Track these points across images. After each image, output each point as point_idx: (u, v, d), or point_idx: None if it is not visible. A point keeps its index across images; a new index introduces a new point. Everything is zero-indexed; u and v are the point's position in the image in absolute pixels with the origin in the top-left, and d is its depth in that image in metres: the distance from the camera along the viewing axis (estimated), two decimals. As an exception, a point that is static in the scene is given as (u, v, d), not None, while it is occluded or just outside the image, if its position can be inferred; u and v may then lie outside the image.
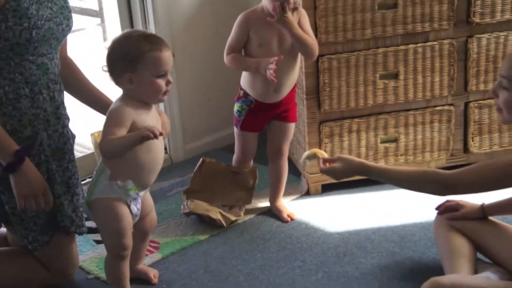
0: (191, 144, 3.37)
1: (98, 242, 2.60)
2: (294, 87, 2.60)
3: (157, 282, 2.33)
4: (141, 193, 2.14)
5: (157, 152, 2.11)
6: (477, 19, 2.72)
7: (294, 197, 2.88)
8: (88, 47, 5.12)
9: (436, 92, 2.81)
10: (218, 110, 3.39)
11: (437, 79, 2.79)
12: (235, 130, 2.70)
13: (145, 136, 1.94)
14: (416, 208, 2.65)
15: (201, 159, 2.86)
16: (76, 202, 2.27)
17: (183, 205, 2.71)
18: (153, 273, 2.35)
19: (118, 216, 2.07)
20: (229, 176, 2.80)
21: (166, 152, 3.32)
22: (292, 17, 2.41)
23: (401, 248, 2.45)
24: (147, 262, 2.45)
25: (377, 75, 2.75)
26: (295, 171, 2.99)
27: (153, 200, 2.96)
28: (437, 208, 2.30)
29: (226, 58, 2.55)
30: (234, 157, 2.78)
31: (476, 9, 2.70)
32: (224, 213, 2.67)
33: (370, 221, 2.64)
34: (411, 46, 2.73)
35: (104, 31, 5.65)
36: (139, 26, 3.16)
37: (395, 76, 2.76)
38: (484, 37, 2.75)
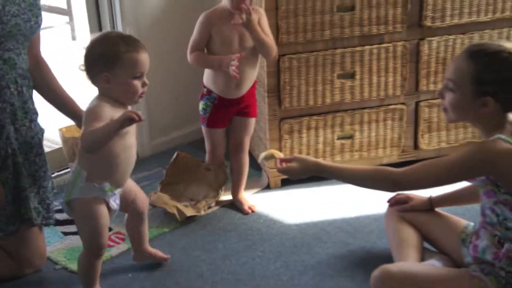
0: (158, 140, 3.38)
1: (66, 233, 2.61)
2: (254, 84, 2.65)
3: (168, 260, 2.37)
4: (117, 191, 2.14)
5: (131, 151, 2.11)
6: (428, 23, 2.78)
7: (255, 190, 2.92)
8: (56, 45, 5.07)
9: (390, 92, 2.86)
10: (184, 106, 3.41)
11: (390, 79, 2.84)
12: (203, 128, 2.73)
13: (128, 117, 1.87)
14: (368, 201, 2.70)
15: (176, 153, 2.89)
16: (43, 194, 2.28)
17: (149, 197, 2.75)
18: (162, 253, 2.37)
19: (95, 215, 2.07)
20: (202, 171, 2.83)
21: (133, 147, 3.34)
22: (255, 20, 2.46)
23: (354, 239, 2.51)
24: (113, 253, 2.48)
25: (335, 75, 2.79)
26: (256, 166, 3.02)
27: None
28: (388, 201, 2.36)
29: (189, 57, 2.58)
30: (207, 154, 2.81)
31: (428, 14, 2.76)
32: (181, 207, 2.69)
33: (326, 214, 2.69)
34: (367, 47, 2.78)
35: (72, 29, 5.59)
36: (106, 24, 3.16)
37: (352, 76, 2.81)
38: (434, 40, 2.82)
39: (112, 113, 1.99)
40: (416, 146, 2.98)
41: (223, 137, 2.76)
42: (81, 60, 2.04)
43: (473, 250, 2.00)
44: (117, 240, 2.57)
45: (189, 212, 2.68)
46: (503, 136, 1.87)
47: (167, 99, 3.38)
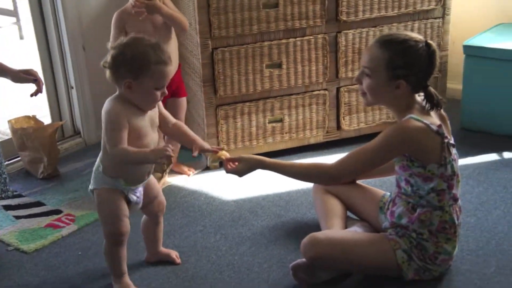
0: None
1: (17, 217, 2.52)
2: (179, 67, 2.69)
3: (180, 263, 2.19)
4: (137, 186, 2.00)
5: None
6: (344, 18, 2.81)
7: (196, 172, 2.89)
8: (5, 44, 4.87)
9: (313, 79, 2.88)
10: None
11: (313, 68, 2.86)
12: None
13: (163, 158, 1.83)
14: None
15: None
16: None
17: None
18: (175, 254, 2.21)
19: (112, 204, 1.95)
20: None
21: (80, 136, 3.24)
22: (156, 2, 2.46)
23: (286, 211, 2.52)
24: (64, 233, 2.40)
25: (264, 65, 2.79)
26: (196, 149, 2.99)
27: (69, 179, 2.90)
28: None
29: None
30: None
31: (343, 9, 2.80)
32: None
33: (260, 190, 2.69)
34: (291, 40, 2.79)
35: (20, 29, 5.37)
36: (50, 23, 3.05)
37: (279, 66, 2.81)
38: (350, 32, 2.85)
39: (128, 115, 1.87)
40: (338, 127, 3.01)
41: None
42: (107, 58, 1.90)
43: (390, 216, 2.03)
44: (67, 221, 2.49)
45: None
46: (414, 116, 1.91)
47: (111, 90, 3.28)
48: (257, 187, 2.71)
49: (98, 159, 2.00)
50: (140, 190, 2.03)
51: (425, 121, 1.90)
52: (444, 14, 2.97)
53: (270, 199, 2.61)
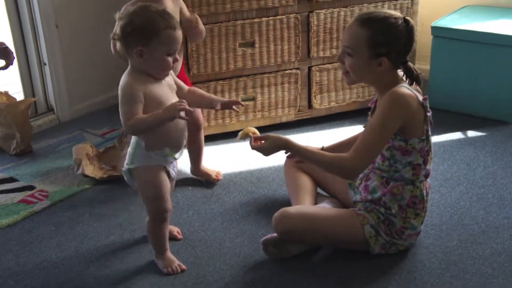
0: (77, 106, 3.23)
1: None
2: (183, 63, 2.50)
3: (182, 239, 2.17)
4: (177, 155, 1.97)
5: None
6: (316, -3, 2.79)
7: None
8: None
9: (286, 58, 2.85)
10: (101, 73, 3.27)
11: (286, 47, 2.83)
12: None
13: (177, 112, 1.78)
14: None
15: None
16: None
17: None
18: (176, 231, 2.18)
19: (157, 182, 1.92)
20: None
21: (54, 113, 3.17)
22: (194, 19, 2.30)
23: (258, 188, 2.51)
24: (36, 209, 2.36)
25: (237, 44, 2.75)
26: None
27: (42, 155, 2.85)
28: (286, 153, 2.35)
29: None
30: None
31: (316, -11, 2.77)
32: (89, 164, 2.59)
33: (233, 167, 2.67)
34: (264, 19, 2.75)
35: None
36: (22, 1, 2.96)
37: (252, 45, 2.78)
38: (322, 12, 2.82)
39: (143, 87, 1.84)
40: (310, 105, 2.99)
41: None
42: (115, 30, 1.85)
43: (364, 190, 2.03)
44: (40, 197, 2.44)
45: (89, 171, 2.56)
46: (405, 84, 1.91)
47: (83, 67, 3.22)
48: (229, 164, 2.69)
49: (132, 140, 1.95)
50: (175, 164, 2.02)
51: (413, 91, 1.90)
52: (413, -4, 2.96)
53: (243, 176, 2.60)
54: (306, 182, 2.25)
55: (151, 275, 1.99)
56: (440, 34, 3.01)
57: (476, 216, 2.23)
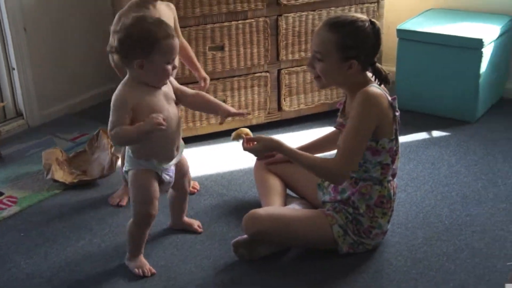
0: (46, 110, 3.19)
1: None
2: None
3: (202, 231, 2.21)
4: (171, 163, 1.97)
5: (169, 123, 1.89)
6: (284, 1, 2.79)
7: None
8: None
9: (255, 61, 2.86)
10: (71, 78, 3.24)
11: (255, 50, 2.84)
12: None
13: (155, 127, 1.78)
14: (240, 157, 2.68)
15: (98, 129, 2.74)
16: None
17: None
18: (197, 224, 2.22)
19: (144, 186, 1.92)
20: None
21: (23, 118, 3.13)
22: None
23: (228, 190, 2.51)
24: (5, 215, 2.33)
25: (207, 47, 2.75)
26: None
27: (11, 160, 2.81)
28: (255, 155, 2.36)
29: None
30: None
31: (284, -7, 2.79)
32: (58, 169, 2.56)
33: (204, 170, 2.67)
34: (233, 23, 2.76)
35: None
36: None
37: (221, 48, 2.78)
38: (290, 16, 2.84)
39: (136, 99, 1.84)
40: (279, 108, 3.01)
41: None
42: (112, 43, 1.84)
43: (334, 190, 2.06)
44: (8, 203, 2.41)
45: (59, 176, 2.54)
46: (375, 84, 1.93)
47: (53, 70, 3.19)
48: (200, 168, 2.69)
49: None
50: (172, 169, 2.01)
51: (383, 91, 1.93)
52: (379, -1, 3.01)
53: (213, 179, 2.60)
54: (275, 183, 2.26)
55: (122, 279, 1.99)
56: (406, 36, 3.07)
57: (440, 214, 2.28)
